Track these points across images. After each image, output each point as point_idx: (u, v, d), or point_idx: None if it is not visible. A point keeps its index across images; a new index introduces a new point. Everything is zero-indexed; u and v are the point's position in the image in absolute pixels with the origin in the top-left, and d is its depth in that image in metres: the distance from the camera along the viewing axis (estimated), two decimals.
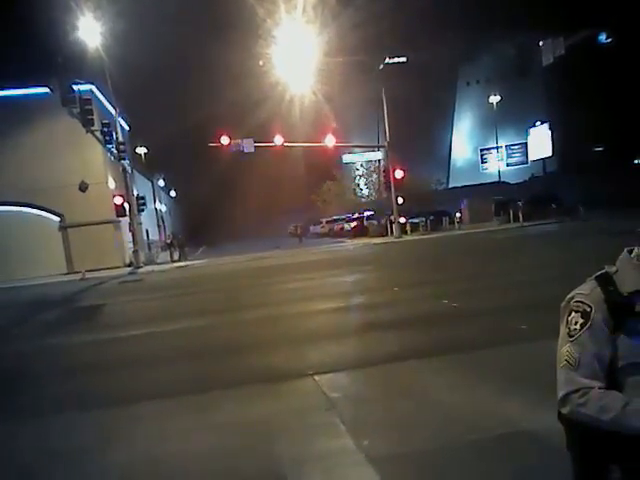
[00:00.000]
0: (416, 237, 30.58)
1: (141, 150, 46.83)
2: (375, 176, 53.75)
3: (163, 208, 57.42)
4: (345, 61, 34.10)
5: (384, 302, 9.53)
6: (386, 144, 33.06)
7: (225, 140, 29.37)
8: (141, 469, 3.69)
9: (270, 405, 4.61)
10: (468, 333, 6.38)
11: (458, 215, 35.62)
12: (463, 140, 72.11)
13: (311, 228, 50.48)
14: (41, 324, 11.67)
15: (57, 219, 31.27)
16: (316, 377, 5.19)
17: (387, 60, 31.70)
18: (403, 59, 32.22)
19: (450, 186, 63.32)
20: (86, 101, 24.69)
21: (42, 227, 30.83)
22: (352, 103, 57.92)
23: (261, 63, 29.64)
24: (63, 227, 31.24)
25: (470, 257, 16.98)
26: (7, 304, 17.41)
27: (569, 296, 1.58)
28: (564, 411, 1.50)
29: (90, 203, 30.20)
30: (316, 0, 30.70)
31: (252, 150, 30.10)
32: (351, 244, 31.10)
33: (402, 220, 32.26)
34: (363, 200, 54.90)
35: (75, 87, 24.22)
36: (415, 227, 33.79)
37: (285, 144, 31.55)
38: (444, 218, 35.39)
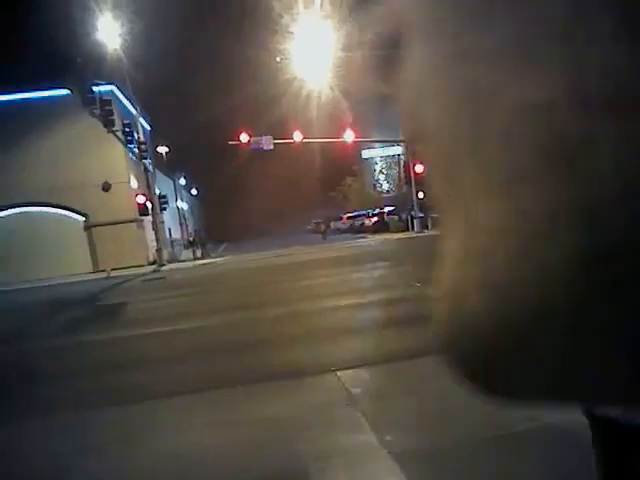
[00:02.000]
0: (438, 232, 30.21)
1: (162, 149, 47.34)
2: (395, 171, 53.41)
3: (185, 206, 58.01)
4: (364, 55, 33.85)
5: (406, 297, 9.44)
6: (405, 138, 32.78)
7: (244, 138, 29.49)
8: (161, 464, 3.71)
9: (291, 401, 4.59)
10: None
11: None
12: None
13: (331, 224, 50.45)
14: (66, 322, 11.87)
15: (82, 219, 31.88)
16: (338, 373, 5.16)
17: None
18: None
19: None
20: (107, 102, 25.04)
21: (67, 227, 31.48)
22: (372, 97, 57.63)
23: (278, 59, 29.66)
24: (88, 226, 31.85)
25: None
26: (33, 303, 17.78)
27: None
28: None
29: (113, 202, 30.72)
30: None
31: (271, 147, 30.16)
32: (372, 240, 30.97)
33: (423, 215, 32.00)
34: (383, 195, 54.64)
35: (95, 88, 24.58)
36: (436, 222, 33.34)
37: (304, 140, 31.53)
38: None
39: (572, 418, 1.47)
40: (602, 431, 1.39)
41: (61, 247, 30.65)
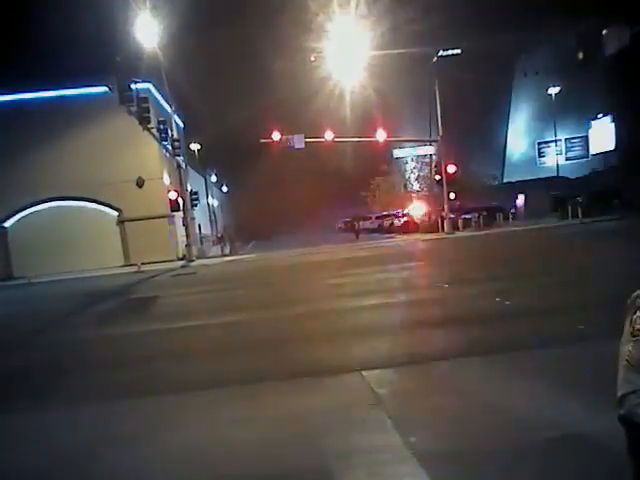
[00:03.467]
0: (468, 233, 29.88)
1: (195, 146, 47.97)
2: (426, 171, 52.84)
3: (215, 203, 58.67)
4: (397, 54, 33.60)
5: (434, 299, 9.38)
6: (438, 138, 32.44)
7: (276, 136, 29.65)
8: (190, 456, 3.78)
9: (317, 399, 4.61)
10: (521, 332, 6.17)
11: (513, 211, 34.54)
12: (519, 133, 69.75)
13: (360, 223, 50.26)
14: (98, 314, 12.18)
15: (115, 213, 32.58)
16: (363, 372, 5.16)
17: (441, 52, 31.01)
18: (457, 51, 31.31)
19: (505, 181, 61.46)
20: (143, 99, 25.49)
21: (101, 221, 32.22)
22: (404, 97, 57.13)
23: (312, 58, 29.63)
24: (121, 221, 32.53)
25: (524, 254, 16.43)
26: (67, 294, 18.28)
27: (635, 294, 1.48)
28: (621, 412, 1.42)
29: (146, 198, 31.29)
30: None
31: (302, 146, 30.23)
32: (401, 240, 30.76)
33: (453, 216, 31.62)
34: (414, 195, 54.12)
35: (132, 86, 25.04)
36: (467, 223, 33.02)
37: (335, 139, 31.50)
38: (498, 214, 34.40)
39: (604, 425, 1.45)
40: (637, 438, 1.37)
41: (95, 241, 31.44)
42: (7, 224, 32.22)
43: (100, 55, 26.24)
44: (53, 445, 4.22)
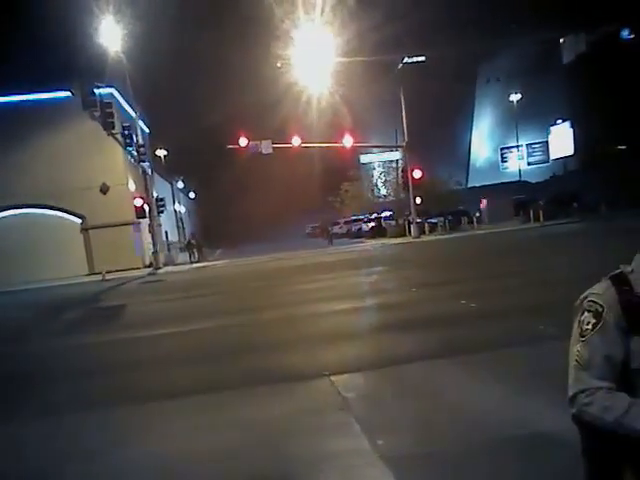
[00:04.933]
0: (434, 237, 30.37)
1: (161, 152, 47.35)
2: (393, 176, 53.48)
3: (182, 210, 57.95)
4: (363, 61, 33.99)
5: (401, 303, 9.49)
6: (404, 144, 32.90)
7: (243, 142, 29.51)
8: (155, 466, 3.73)
9: (286, 405, 4.62)
10: (486, 333, 6.32)
11: (477, 215, 35.26)
12: (483, 139, 71.40)
13: (329, 229, 50.40)
14: (63, 324, 11.87)
15: (79, 221, 31.79)
16: (332, 377, 5.19)
17: (405, 60, 31.50)
18: (421, 58, 31.85)
19: (469, 186, 62.75)
20: (107, 104, 25.04)
21: (64, 229, 31.37)
22: (370, 103, 57.75)
23: (279, 64, 29.66)
24: (85, 229, 31.74)
25: (488, 257, 16.81)
26: (30, 305, 17.73)
27: (583, 295, 1.56)
28: (572, 411, 1.48)
29: (111, 205, 30.64)
30: (334, 1, 30.69)
31: (270, 151, 30.19)
32: (369, 244, 31.02)
33: (420, 220, 32.07)
34: (381, 200, 54.69)
35: (96, 90, 24.58)
36: (434, 227, 33.54)
37: (303, 145, 31.58)
38: (463, 218, 35.07)
39: (565, 424, 1.51)
40: (588, 436, 1.44)
41: (57, 249, 30.54)
42: None
43: (63, 59, 25.69)
44: (15, 457, 4.10)
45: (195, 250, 32.18)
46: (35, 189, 30.02)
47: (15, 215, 31.27)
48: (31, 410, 5.39)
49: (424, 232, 32.06)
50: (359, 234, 40.78)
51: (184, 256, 34.12)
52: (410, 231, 31.70)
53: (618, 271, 1.55)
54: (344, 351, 6.45)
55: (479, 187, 55.67)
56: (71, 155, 30.25)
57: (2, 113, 29.68)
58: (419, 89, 39.04)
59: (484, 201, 37.82)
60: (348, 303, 9.94)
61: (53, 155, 30.18)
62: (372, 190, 57.64)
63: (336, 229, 47.27)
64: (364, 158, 64.79)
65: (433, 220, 34.17)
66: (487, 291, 9.40)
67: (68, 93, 26.15)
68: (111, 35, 24.62)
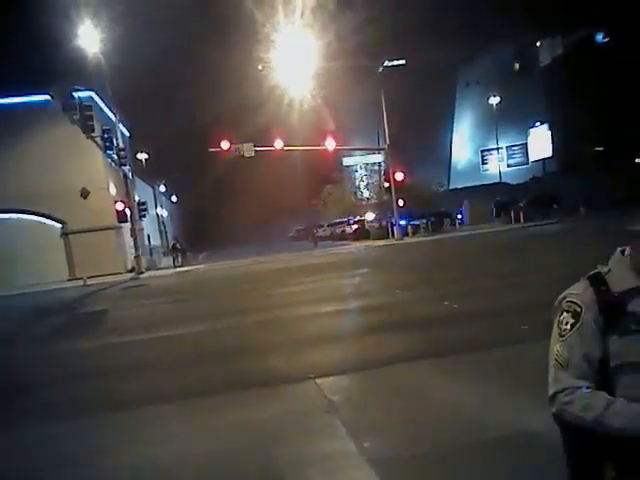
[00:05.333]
0: (417, 239, 30.59)
1: (142, 156, 46.95)
2: (376, 178, 53.82)
3: (164, 213, 57.51)
4: (344, 64, 34.19)
5: (385, 304, 9.55)
6: (386, 146, 33.11)
7: (225, 145, 29.42)
8: (142, 473, 3.71)
9: (271, 408, 4.62)
10: (469, 334, 6.39)
11: (459, 216, 35.63)
12: (464, 141, 72.13)
13: (314, 231, 50.47)
14: (44, 330, 11.69)
15: (59, 226, 31.35)
16: (317, 380, 5.20)
17: (386, 63, 31.72)
18: (402, 62, 32.11)
19: (451, 187, 63.34)
20: (86, 107, 24.76)
21: (44, 234, 30.90)
22: (352, 106, 58.04)
23: (260, 67, 29.68)
24: (65, 233, 31.31)
25: (470, 258, 16.99)
26: (11, 311, 17.44)
27: (561, 296, 1.60)
28: (552, 410, 1.52)
29: (92, 209, 30.28)
30: (315, 4, 30.82)
31: (252, 154, 30.13)
32: (353, 247, 31.12)
33: (403, 222, 32.28)
34: (364, 203, 54.98)
35: (75, 94, 24.31)
36: (416, 229, 33.79)
37: (285, 148, 31.59)
38: (445, 220, 35.42)
39: (548, 423, 1.55)
40: (569, 435, 1.48)
41: (37, 255, 30.07)
42: None
43: (42, 63, 25.36)
44: (17, 462, 4.04)
45: (179, 254, 31.94)
46: (14, 194, 29.55)
47: None
48: (25, 415, 5.32)
49: (407, 234, 32.27)
50: (343, 236, 40.89)
51: (167, 260, 33.86)
52: (393, 233, 31.89)
53: (596, 271, 1.59)
54: (329, 353, 6.47)
55: (460, 189, 56.23)
56: (50, 159, 29.82)
57: None
58: (400, 92, 39.34)
59: (465, 202, 38.25)
60: (332, 305, 9.97)
61: (32, 159, 29.73)
62: (355, 192, 57.90)
63: (320, 232, 47.38)
64: (347, 161, 65.00)
65: (416, 222, 34.43)
66: (470, 292, 9.51)
67: (47, 97, 25.80)
68: (90, 38, 24.42)
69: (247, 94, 42.30)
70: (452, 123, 71.66)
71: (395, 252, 24.24)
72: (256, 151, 30.25)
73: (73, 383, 6.47)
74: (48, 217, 31.02)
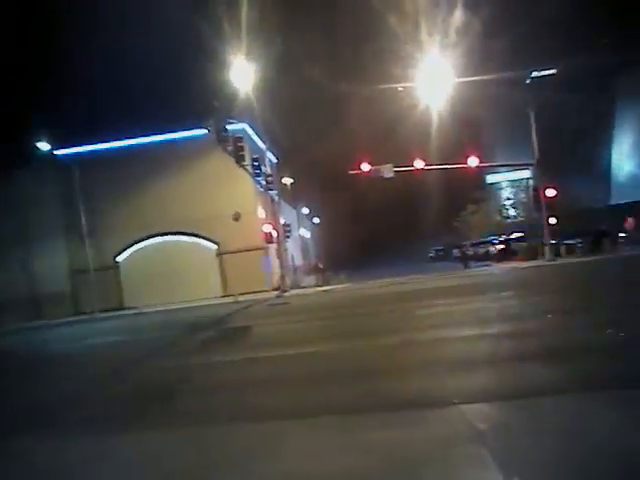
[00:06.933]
0: (571, 260, 28.01)
1: (287, 180, 49.58)
2: (523, 196, 50.67)
3: (307, 234, 59.89)
4: (488, 78, 32.87)
5: (535, 330, 8.81)
6: (535, 161, 31.05)
7: (365, 167, 29.87)
8: None
9: (410, 432, 4.46)
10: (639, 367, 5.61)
11: (623, 235, 31.98)
12: (626, 154, 65.08)
13: (453, 252, 48.93)
14: (197, 343, 12.72)
15: (214, 247, 34.30)
16: (462, 406, 4.92)
17: (534, 73, 29.88)
18: (552, 71, 30.02)
19: (611, 203, 57.27)
20: (238, 139, 26.96)
21: (202, 254, 34.06)
22: (496, 121, 55.68)
23: (401, 88, 29.69)
24: (219, 254, 34.15)
25: (637, 282, 15.06)
26: (169, 324, 19.34)
27: None
28: None
29: (242, 231, 32.69)
30: (459, 21, 30.16)
31: (391, 175, 30.17)
32: (497, 268, 29.48)
33: (555, 242, 29.86)
34: (509, 221, 52.03)
35: (228, 127, 26.57)
36: (570, 249, 30.99)
37: (426, 167, 31.15)
38: (605, 239, 31.98)
39: None
40: None
41: (196, 272, 33.29)
42: (120, 258, 35.00)
43: (199, 100, 28.16)
44: (163, 465, 4.41)
45: (320, 273, 32.98)
46: (176, 218, 33.15)
47: (159, 242, 34.67)
48: (165, 421, 5.80)
49: (559, 254, 29.75)
50: (486, 257, 38.97)
51: (309, 279, 35.12)
52: (544, 253, 29.63)
53: None
54: (473, 379, 6.10)
55: (623, 204, 50.55)
56: (207, 187, 33.02)
57: (145, 152, 33.31)
58: (550, 104, 36.79)
59: (629, 220, 34.22)
60: (475, 329, 9.46)
61: (192, 187, 33.16)
62: (500, 211, 55.07)
63: (458, 252, 45.73)
64: (490, 178, 62.19)
65: (570, 241, 31.61)
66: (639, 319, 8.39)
67: (204, 131, 28.57)
68: (242, 74, 26.40)
69: (386, 114, 42.60)
70: (611, 135, 65.13)
71: (546, 274, 22.44)
72: (396, 172, 30.26)
73: (214, 393, 6.91)
74: (204, 238, 34.13)
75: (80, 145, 34.28)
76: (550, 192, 29.15)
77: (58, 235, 34.37)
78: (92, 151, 34.16)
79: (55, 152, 34.07)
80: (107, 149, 34.00)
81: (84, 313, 30.90)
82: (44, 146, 32.35)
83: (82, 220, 32.52)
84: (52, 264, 34.54)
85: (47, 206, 34.04)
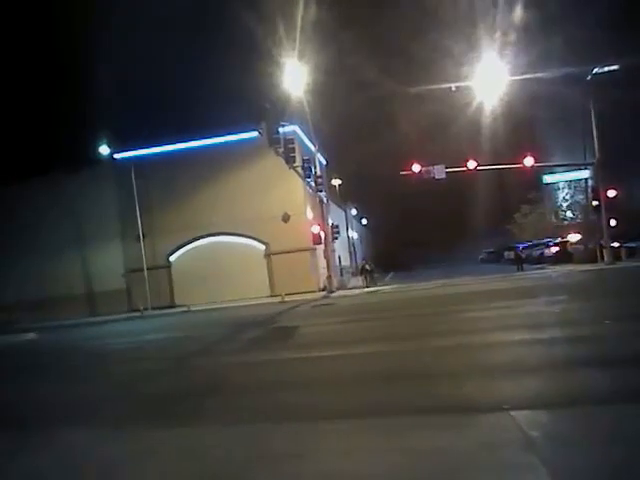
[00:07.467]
0: (633, 263, 26.69)
1: (336, 181, 49.69)
2: (581, 197, 48.63)
3: (355, 235, 59.77)
4: (545, 76, 31.75)
5: (592, 336, 8.46)
6: (595, 161, 29.78)
7: (416, 168, 29.51)
8: None
9: (459, 437, 4.37)
10: None
11: None
12: None
13: (505, 254, 47.63)
14: (243, 342, 12.94)
15: (263, 247, 34.77)
16: (512, 412, 4.78)
17: (596, 70, 28.66)
18: (615, 67, 28.70)
19: None
20: (289, 141, 27.23)
21: (250, 254, 34.60)
22: (553, 119, 53.72)
23: (454, 88, 29.12)
24: (267, 254, 34.59)
25: None
26: (217, 322, 19.75)
27: None
28: None
29: (291, 232, 33.00)
30: (511, 15, 29.30)
31: (443, 176, 29.69)
32: (552, 271, 28.47)
33: (615, 244, 28.54)
34: (566, 223, 50.08)
35: (280, 129, 26.88)
36: (632, 252, 29.54)
37: (479, 168, 30.46)
38: None
39: None
40: None
41: (244, 272, 33.85)
42: (172, 258, 36.05)
43: (252, 103, 28.63)
44: (209, 460, 4.52)
45: (367, 275, 32.84)
46: (226, 219, 33.82)
47: (209, 242, 35.50)
48: (210, 417, 5.93)
49: (619, 258, 28.42)
50: (540, 259, 37.71)
51: (356, 280, 35.04)
52: (602, 256, 28.39)
53: None
54: (525, 385, 5.92)
55: None
56: (257, 188, 33.51)
57: (199, 155, 34.16)
58: (611, 101, 35.19)
59: None
60: (528, 334, 9.17)
61: (241, 188, 33.77)
62: (556, 212, 53.10)
63: (511, 254, 44.48)
64: (547, 178, 60.07)
65: (631, 244, 30.14)
66: None
67: (256, 133, 28.99)
68: (294, 76, 26.54)
69: (438, 113, 41.94)
70: None
71: (604, 278, 21.48)
72: (447, 172, 29.73)
73: (259, 392, 6.99)
74: (254, 239, 34.63)
75: (137, 148, 35.57)
76: (611, 193, 27.94)
77: (115, 235, 35.78)
78: (148, 154, 35.37)
79: (114, 155, 35.51)
80: (162, 152, 35.12)
81: (137, 310, 32.05)
82: (104, 150, 33.80)
83: (138, 220, 33.73)
84: (109, 263, 35.99)
85: (106, 207, 35.52)
